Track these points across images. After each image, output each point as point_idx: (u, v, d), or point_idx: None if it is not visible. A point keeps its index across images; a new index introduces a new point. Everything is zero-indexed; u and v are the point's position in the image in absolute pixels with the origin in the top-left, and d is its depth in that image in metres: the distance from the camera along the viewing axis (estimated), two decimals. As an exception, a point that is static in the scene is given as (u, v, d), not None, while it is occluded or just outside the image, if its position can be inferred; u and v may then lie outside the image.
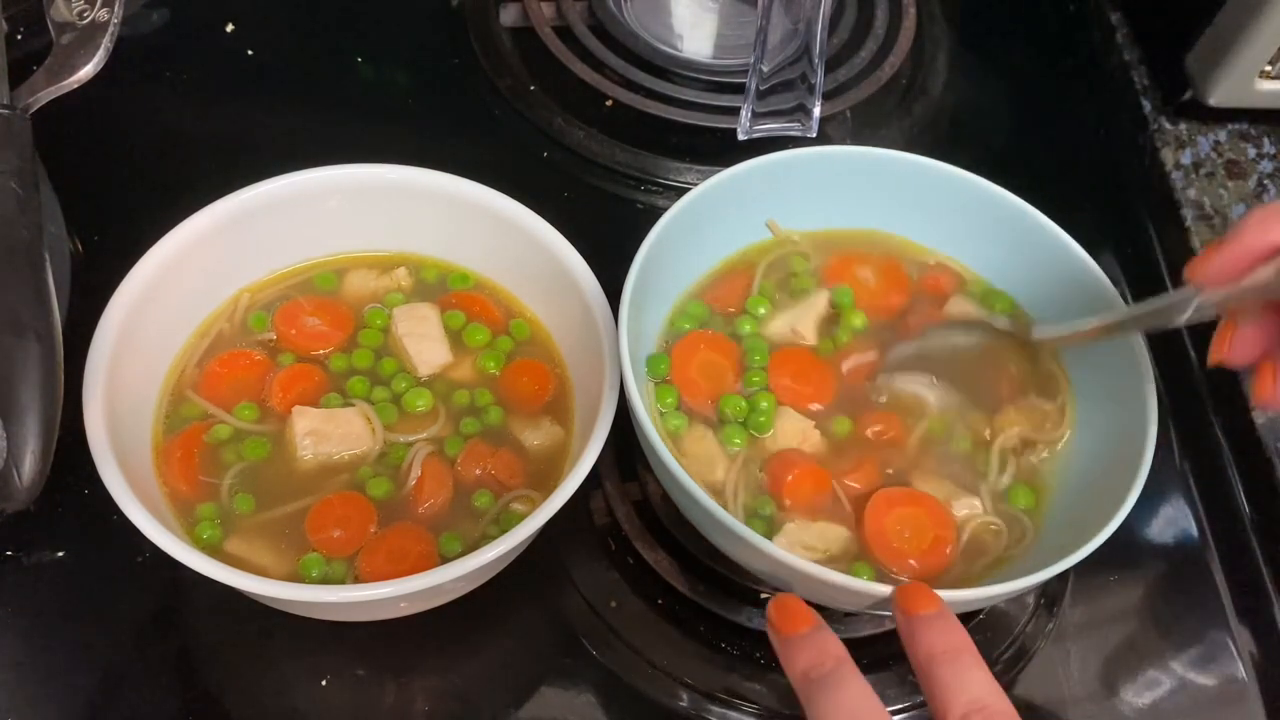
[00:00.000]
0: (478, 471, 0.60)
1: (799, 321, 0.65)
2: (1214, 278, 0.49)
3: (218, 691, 0.59)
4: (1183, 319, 0.51)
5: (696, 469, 0.60)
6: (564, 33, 0.85)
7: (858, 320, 0.65)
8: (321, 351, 0.64)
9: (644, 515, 0.64)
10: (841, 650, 0.47)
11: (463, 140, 0.82)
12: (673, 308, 0.65)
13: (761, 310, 0.65)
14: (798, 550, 0.57)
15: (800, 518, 0.59)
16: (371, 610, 0.56)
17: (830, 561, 0.57)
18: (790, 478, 0.59)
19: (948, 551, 0.58)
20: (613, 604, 0.63)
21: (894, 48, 0.87)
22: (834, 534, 0.58)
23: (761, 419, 0.61)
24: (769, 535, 0.57)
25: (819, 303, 0.66)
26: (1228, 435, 0.73)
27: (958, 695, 0.45)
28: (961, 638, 0.47)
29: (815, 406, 0.63)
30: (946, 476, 0.61)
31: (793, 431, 0.61)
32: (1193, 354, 0.77)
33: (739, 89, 0.78)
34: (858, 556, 0.58)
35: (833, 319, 0.66)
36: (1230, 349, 0.49)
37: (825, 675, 0.46)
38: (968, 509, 0.60)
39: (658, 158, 0.81)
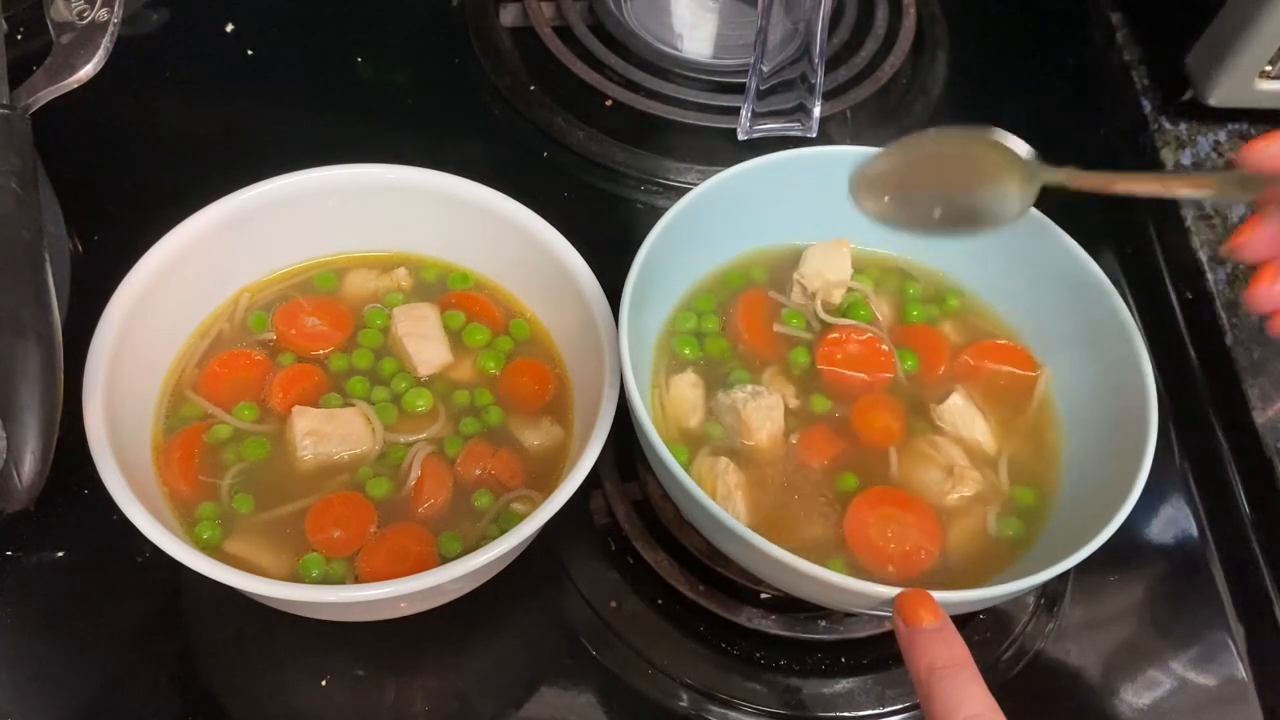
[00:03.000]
0: (478, 471, 0.60)
1: None
2: (1265, 163, 0.49)
3: (218, 691, 0.59)
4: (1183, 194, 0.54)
5: (675, 415, 0.62)
6: (564, 33, 0.85)
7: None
8: (321, 351, 0.64)
9: (644, 515, 0.64)
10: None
11: (463, 140, 0.82)
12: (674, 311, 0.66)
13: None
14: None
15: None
16: (371, 610, 0.56)
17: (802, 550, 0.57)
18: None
19: (924, 560, 0.58)
20: (613, 604, 0.63)
21: (894, 48, 0.88)
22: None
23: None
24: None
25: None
26: (1228, 435, 0.73)
27: (955, 709, 0.46)
28: (961, 652, 0.48)
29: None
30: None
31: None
32: (1193, 354, 0.77)
33: (739, 89, 0.78)
34: (836, 550, 0.58)
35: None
36: (1248, 239, 0.51)
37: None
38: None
39: (658, 158, 0.81)
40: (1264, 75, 0.78)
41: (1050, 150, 0.88)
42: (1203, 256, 0.78)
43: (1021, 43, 0.97)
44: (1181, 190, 0.58)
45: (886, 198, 0.60)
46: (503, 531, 0.53)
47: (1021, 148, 0.58)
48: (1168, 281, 0.80)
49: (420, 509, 0.58)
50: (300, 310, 0.64)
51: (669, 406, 0.63)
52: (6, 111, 0.57)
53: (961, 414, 0.63)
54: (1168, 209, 0.82)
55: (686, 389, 0.63)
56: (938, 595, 0.50)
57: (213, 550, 0.56)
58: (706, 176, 0.63)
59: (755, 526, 0.55)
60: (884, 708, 0.61)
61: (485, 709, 0.60)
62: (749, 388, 0.62)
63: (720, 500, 0.58)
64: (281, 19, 0.88)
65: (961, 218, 0.59)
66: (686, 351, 0.64)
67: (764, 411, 0.61)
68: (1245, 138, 0.84)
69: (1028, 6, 0.99)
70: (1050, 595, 0.66)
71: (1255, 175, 0.50)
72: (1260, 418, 0.71)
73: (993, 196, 0.58)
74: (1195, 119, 0.84)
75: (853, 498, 0.59)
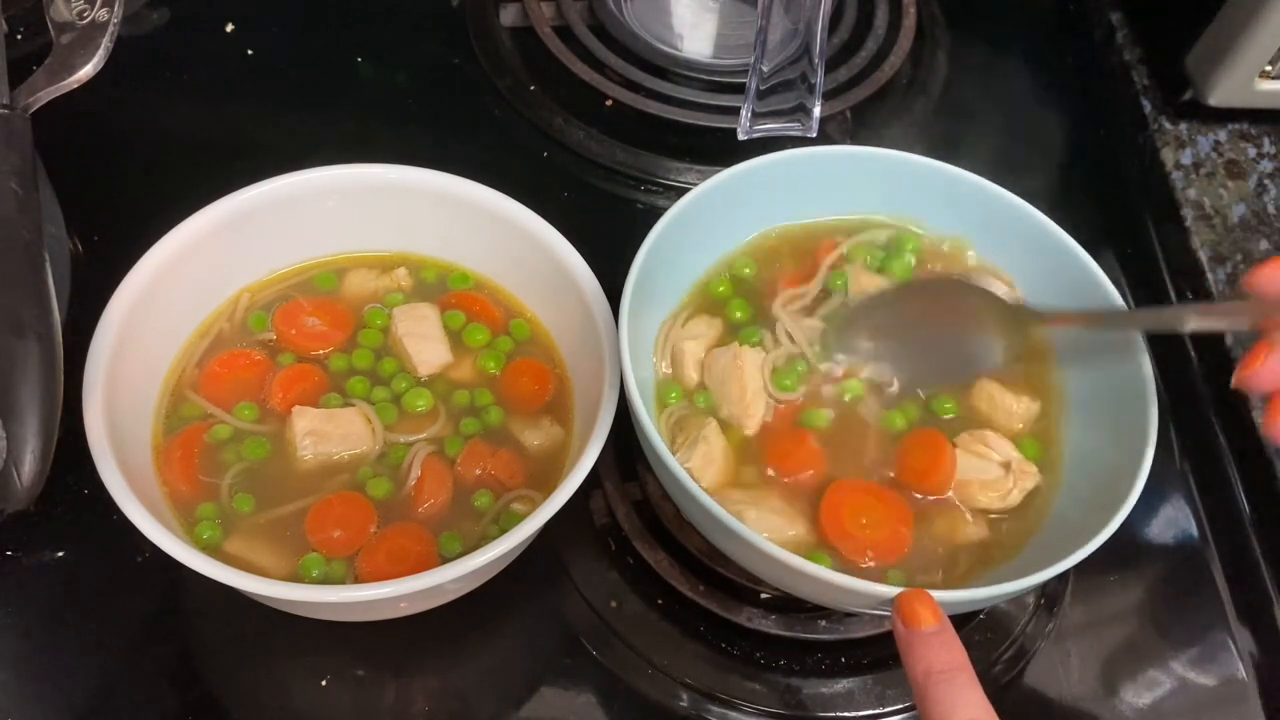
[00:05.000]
0: (478, 471, 0.60)
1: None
2: (1270, 290, 0.49)
3: (218, 691, 0.59)
4: (1189, 327, 0.52)
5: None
6: (564, 33, 0.85)
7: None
8: (321, 351, 0.64)
9: (644, 515, 0.64)
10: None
11: (463, 140, 0.82)
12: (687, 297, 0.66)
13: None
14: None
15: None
16: (371, 610, 0.56)
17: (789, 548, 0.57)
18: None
19: (906, 542, 0.58)
20: (613, 604, 0.63)
21: (894, 48, 0.88)
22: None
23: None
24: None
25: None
26: (1228, 435, 0.73)
27: (950, 714, 0.46)
28: (959, 656, 0.48)
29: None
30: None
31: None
32: (1193, 355, 0.77)
33: (739, 89, 0.78)
34: (816, 546, 0.58)
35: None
36: (1258, 369, 0.49)
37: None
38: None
39: (658, 158, 0.81)
40: (1264, 75, 0.78)
41: (1051, 150, 0.89)
42: (1203, 256, 0.78)
43: (1021, 43, 0.97)
44: (1193, 324, 0.57)
45: (868, 345, 0.62)
46: (503, 531, 0.53)
47: (1006, 293, 0.59)
48: (1168, 281, 0.81)
49: (420, 509, 0.58)
50: (300, 310, 0.64)
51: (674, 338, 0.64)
52: (6, 111, 0.57)
53: (998, 398, 0.63)
54: (1167, 209, 0.82)
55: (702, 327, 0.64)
56: (937, 595, 0.50)
57: (213, 550, 0.56)
58: (706, 176, 0.64)
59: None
60: (884, 708, 0.61)
61: (485, 709, 0.60)
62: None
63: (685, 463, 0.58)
64: (281, 19, 0.88)
65: (946, 365, 0.62)
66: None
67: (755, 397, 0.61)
68: (1245, 137, 0.84)
69: (1028, 6, 0.99)
70: (1050, 595, 0.66)
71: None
72: (1260, 418, 0.71)
73: (978, 343, 0.61)
74: (1195, 119, 0.84)
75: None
